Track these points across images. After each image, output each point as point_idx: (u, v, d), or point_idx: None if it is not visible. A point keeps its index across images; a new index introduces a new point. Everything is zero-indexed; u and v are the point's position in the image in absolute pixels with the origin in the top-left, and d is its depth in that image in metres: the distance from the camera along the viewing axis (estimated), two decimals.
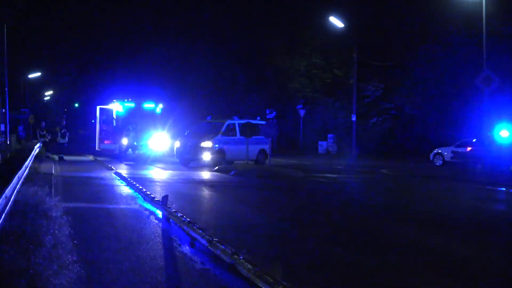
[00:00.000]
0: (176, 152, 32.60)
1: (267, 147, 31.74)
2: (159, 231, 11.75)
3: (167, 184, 22.16)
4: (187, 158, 31.61)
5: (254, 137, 30.39)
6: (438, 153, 34.10)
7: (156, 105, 38.00)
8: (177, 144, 32.47)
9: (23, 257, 7.97)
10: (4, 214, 9.78)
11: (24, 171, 17.76)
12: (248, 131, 29.68)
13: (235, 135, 31.89)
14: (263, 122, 33.93)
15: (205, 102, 57.51)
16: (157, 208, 13.92)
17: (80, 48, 73.86)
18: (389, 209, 16.90)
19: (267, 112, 55.93)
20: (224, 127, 31.61)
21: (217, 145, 30.74)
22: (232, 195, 20.13)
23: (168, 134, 36.92)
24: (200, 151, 30.46)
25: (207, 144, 30.24)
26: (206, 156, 30.23)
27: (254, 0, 61.84)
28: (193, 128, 34.70)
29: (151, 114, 37.35)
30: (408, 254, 10.44)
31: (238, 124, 32.09)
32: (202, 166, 30.46)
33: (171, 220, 12.28)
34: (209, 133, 31.51)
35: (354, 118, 45.80)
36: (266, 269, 7.71)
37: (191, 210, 14.34)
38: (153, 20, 68.47)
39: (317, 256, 10.00)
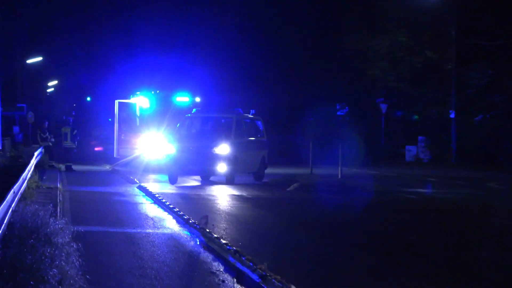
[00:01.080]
0: (167, 162, 28.05)
1: (266, 154, 31.14)
2: (197, 262, 11.76)
3: (206, 202, 22.17)
4: (190, 170, 28.52)
5: (257, 139, 30.31)
6: None
7: (193, 98, 38.05)
8: (170, 149, 27.85)
9: None
10: None
11: (21, 184, 17.93)
12: (254, 130, 29.82)
13: (244, 136, 29.34)
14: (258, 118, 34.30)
15: (248, 97, 57.50)
16: (193, 233, 13.98)
17: (93, 25, 74.14)
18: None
19: (337, 107, 55.83)
20: (235, 124, 28.64)
21: (232, 151, 27.58)
22: (290, 215, 20.03)
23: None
24: (211, 159, 26.92)
25: (224, 149, 26.81)
26: (222, 168, 26.93)
27: None
28: (186, 126, 30.39)
29: (186, 109, 37.47)
30: None
31: (249, 120, 31.11)
32: (211, 181, 29.03)
33: (211, 247, 12.31)
34: (215, 133, 28.36)
35: (453, 115, 45.35)
36: None
37: (238, 236, 14.35)
38: None
39: None
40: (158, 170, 34.33)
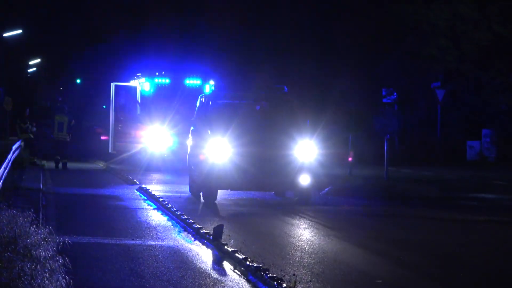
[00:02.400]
0: (199, 171, 21.13)
1: None
2: (209, 282, 11.79)
3: (222, 209, 21.58)
4: (252, 183, 20.45)
5: None
6: None
7: (204, 82, 38.12)
8: (200, 154, 20.91)
9: None
10: None
11: None
12: None
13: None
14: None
15: (273, 77, 57.05)
16: (205, 245, 14.13)
17: None
18: None
19: (383, 93, 55.86)
20: (292, 111, 21.98)
21: (316, 154, 21.94)
22: (319, 226, 19.83)
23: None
24: (292, 168, 20.20)
25: (307, 151, 20.13)
26: (305, 180, 20.20)
27: None
28: (217, 116, 21.41)
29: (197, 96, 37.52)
30: None
31: None
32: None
33: (226, 263, 12.50)
34: (278, 127, 21.05)
35: None
36: None
37: (259, 249, 14.30)
38: None
39: None
40: (163, 169, 34.48)
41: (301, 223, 17.37)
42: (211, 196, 18.29)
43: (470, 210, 25.35)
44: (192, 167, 20.21)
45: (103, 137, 48.60)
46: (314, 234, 16.49)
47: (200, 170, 18.46)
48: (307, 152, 17.90)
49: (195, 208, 20.79)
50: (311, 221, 17.65)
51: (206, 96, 22.56)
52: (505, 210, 25.49)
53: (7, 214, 15.03)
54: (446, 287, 12.14)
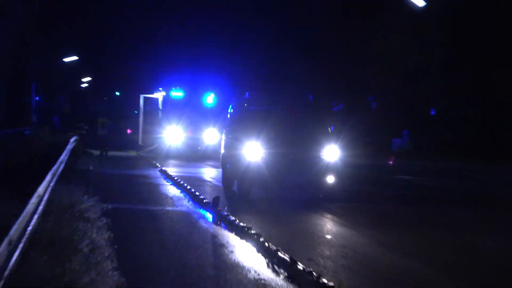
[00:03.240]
0: (234, 169, 17.70)
1: None
2: (209, 236, 11.89)
3: (219, 185, 21.74)
4: (286, 180, 16.52)
5: None
6: None
7: (208, 94, 37.94)
8: (235, 155, 17.40)
9: (58, 263, 8.04)
10: (36, 215, 9.97)
11: (58, 167, 18.03)
12: None
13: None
14: None
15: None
16: (207, 211, 14.24)
17: (122, 23, 73.31)
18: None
19: (333, 104, 55.50)
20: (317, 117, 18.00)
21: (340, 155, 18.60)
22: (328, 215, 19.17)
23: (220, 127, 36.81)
24: (320, 168, 16.53)
25: (333, 153, 16.70)
26: (330, 179, 16.57)
27: None
28: (243, 120, 18.21)
29: (203, 104, 37.32)
30: None
31: None
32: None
33: (222, 224, 12.56)
34: (306, 131, 17.50)
35: (433, 112, 45.50)
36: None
37: (245, 214, 14.31)
38: None
39: None
40: (176, 156, 34.37)
41: (311, 211, 14.76)
42: (245, 192, 15.62)
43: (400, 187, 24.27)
44: (227, 166, 17.73)
45: (128, 131, 48.19)
46: (310, 213, 14.36)
47: (236, 168, 16.00)
48: (332, 154, 15.25)
49: (202, 184, 20.89)
50: (323, 210, 14.91)
51: (239, 103, 18.77)
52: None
53: (66, 187, 15.19)
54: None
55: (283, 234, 12.02)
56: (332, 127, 16.09)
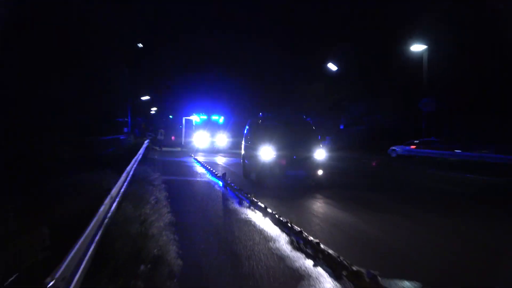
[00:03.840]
0: (253, 166, 14.94)
1: None
2: (220, 194, 11.86)
3: (227, 166, 21.53)
4: (293, 173, 14.27)
5: None
6: (393, 149, 32.13)
7: (219, 117, 38.04)
8: (254, 156, 14.75)
9: (137, 209, 8.12)
10: (126, 183, 10.06)
11: (138, 157, 18.09)
12: None
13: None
14: None
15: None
16: (219, 180, 14.10)
17: (174, 74, 71.30)
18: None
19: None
20: (311, 129, 15.23)
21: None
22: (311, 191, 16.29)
23: (226, 135, 36.83)
24: (310, 166, 14.39)
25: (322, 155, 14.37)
26: (319, 172, 14.40)
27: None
28: (259, 131, 15.13)
29: (217, 123, 37.46)
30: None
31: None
32: None
33: (227, 188, 12.47)
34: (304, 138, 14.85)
35: (341, 127, 45.26)
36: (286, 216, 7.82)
37: (241, 183, 13.88)
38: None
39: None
40: (201, 150, 34.22)
41: (298, 188, 13.28)
42: (262, 181, 13.59)
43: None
44: (246, 161, 15.54)
45: (173, 137, 47.86)
46: (294, 189, 13.01)
47: (254, 165, 14.09)
48: (320, 155, 13.45)
49: (216, 166, 20.48)
50: (307, 188, 13.23)
51: (255, 120, 15.93)
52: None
53: (142, 167, 15.41)
54: None
55: (280, 203, 10.37)
56: (319, 136, 14.35)
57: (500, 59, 29.16)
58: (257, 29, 59.12)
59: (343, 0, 48.81)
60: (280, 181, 13.53)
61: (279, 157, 13.45)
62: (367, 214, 9.28)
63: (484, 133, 28.00)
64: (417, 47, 27.49)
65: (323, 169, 13.69)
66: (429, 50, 27.24)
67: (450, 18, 31.69)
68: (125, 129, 43.74)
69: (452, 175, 18.73)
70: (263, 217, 8.56)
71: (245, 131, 16.65)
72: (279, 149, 13.59)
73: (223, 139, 36.34)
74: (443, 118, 31.82)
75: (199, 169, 18.93)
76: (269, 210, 8.42)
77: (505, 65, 28.69)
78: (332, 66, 42.52)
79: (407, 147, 30.03)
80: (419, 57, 28.09)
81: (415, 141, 29.66)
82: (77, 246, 4.25)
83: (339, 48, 44.08)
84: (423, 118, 27.79)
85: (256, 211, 9.15)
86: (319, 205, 10.42)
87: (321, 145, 14.09)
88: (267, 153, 13.60)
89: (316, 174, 13.57)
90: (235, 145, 33.63)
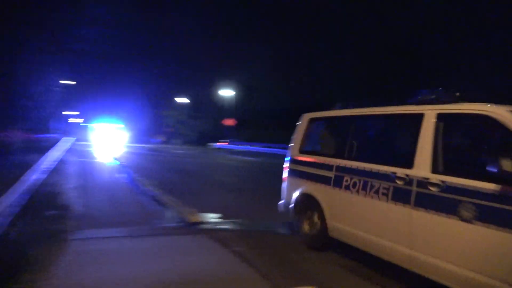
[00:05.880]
0: None
1: None
2: (128, 185, 10.79)
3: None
4: None
5: None
6: (210, 144, 40.02)
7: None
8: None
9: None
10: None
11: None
12: None
13: None
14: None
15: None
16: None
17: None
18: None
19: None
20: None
21: None
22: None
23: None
24: None
25: None
26: None
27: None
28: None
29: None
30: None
31: None
32: None
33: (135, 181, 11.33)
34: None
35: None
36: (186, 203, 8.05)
37: (146, 176, 12.60)
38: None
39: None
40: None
41: None
42: None
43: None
44: None
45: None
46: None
47: None
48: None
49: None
50: None
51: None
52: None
53: None
54: None
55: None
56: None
57: None
58: None
59: None
60: None
61: None
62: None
63: (259, 137, 39.60)
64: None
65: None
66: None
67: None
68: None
69: (237, 157, 23.89)
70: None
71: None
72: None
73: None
74: (238, 129, 44.98)
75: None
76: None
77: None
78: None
79: (217, 144, 41.72)
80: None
81: (222, 140, 42.73)
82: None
83: None
84: (225, 128, 42.76)
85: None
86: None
87: None
88: None
89: None
90: None
